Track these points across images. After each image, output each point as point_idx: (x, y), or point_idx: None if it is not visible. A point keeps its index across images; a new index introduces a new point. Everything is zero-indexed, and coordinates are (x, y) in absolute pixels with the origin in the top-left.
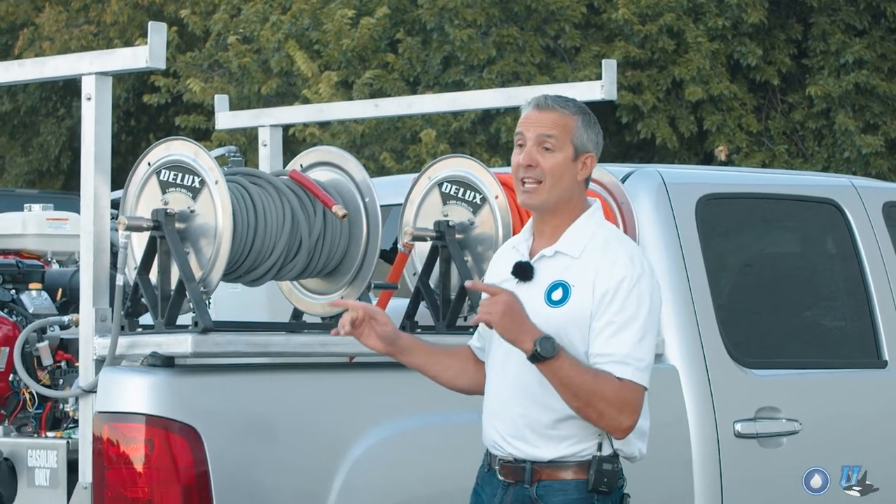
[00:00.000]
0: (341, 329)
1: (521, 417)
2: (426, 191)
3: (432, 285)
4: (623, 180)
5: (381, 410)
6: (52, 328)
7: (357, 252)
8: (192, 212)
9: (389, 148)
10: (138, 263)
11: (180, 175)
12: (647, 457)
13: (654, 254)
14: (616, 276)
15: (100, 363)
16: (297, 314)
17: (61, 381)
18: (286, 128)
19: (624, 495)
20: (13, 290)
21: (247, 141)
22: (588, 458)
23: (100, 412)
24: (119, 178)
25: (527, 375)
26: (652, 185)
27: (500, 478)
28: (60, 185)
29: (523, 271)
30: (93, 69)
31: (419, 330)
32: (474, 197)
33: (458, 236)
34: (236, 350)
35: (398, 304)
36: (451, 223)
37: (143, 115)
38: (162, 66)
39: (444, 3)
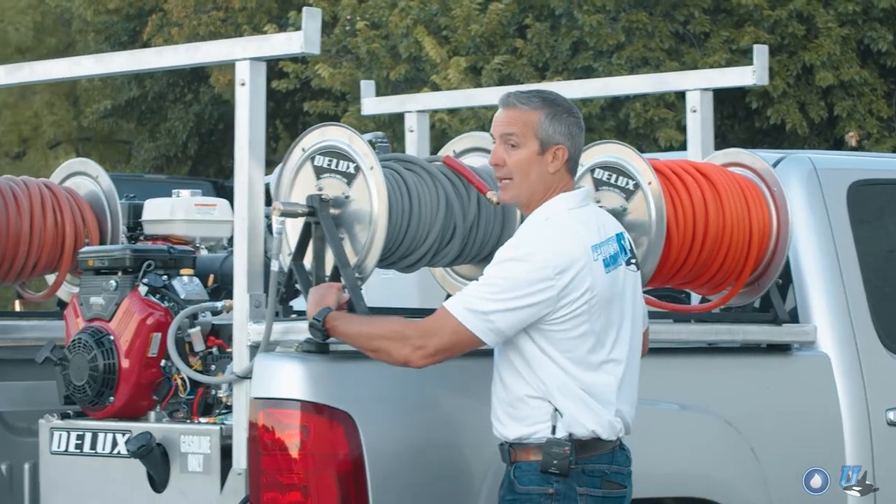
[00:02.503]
0: None
1: (494, 396)
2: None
3: None
4: (774, 166)
5: None
6: (204, 314)
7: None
8: (347, 197)
9: None
10: (293, 249)
11: (335, 161)
12: (798, 443)
13: (805, 240)
14: (507, 244)
15: (254, 349)
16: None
17: (213, 367)
18: None
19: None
20: (165, 276)
21: (375, 126)
22: (542, 440)
23: (255, 398)
24: None
25: (497, 356)
26: (803, 171)
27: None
28: (187, 171)
29: None
30: (247, 55)
31: None
32: (627, 183)
33: None
34: None
35: None
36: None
37: (270, 100)
38: (316, 51)
39: None
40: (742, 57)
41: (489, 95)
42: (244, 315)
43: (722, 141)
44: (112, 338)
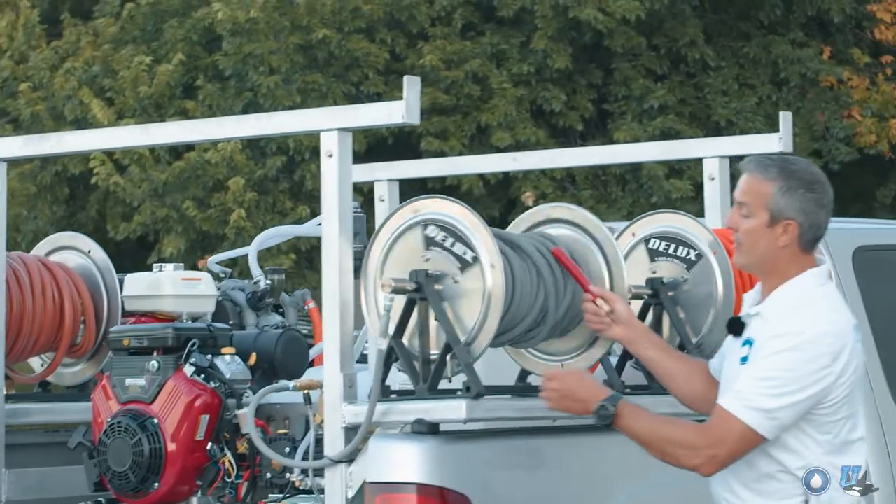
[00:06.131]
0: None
1: (730, 473)
2: (630, 247)
3: None
4: None
5: (633, 471)
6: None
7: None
8: (456, 281)
9: (192, 196)
10: (388, 328)
11: (449, 238)
12: None
13: None
14: (776, 331)
15: (349, 431)
16: (522, 376)
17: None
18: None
19: None
20: (209, 356)
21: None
22: None
23: (370, 483)
24: None
25: None
26: None
27: None
28: None
29: (732, 325)
30: (334, 125)
31: (627, 390)
32: (689, 253)
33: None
34: (504, 415)
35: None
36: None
37: None
38: (416, 121)
39: (250, 49)
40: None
41: (479, 163)
42: (338, 396)
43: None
44: (156, 421)
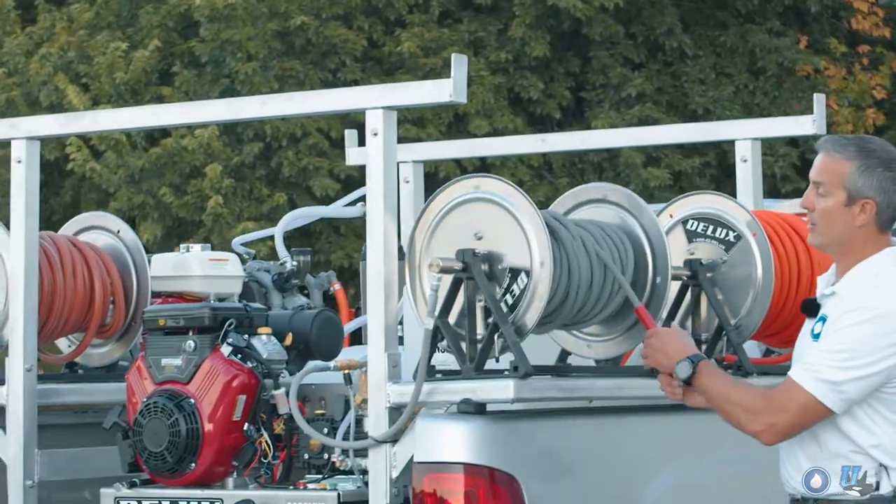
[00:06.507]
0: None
1: (800, 448)
2: (668, 228)
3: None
4: None
5: (677, 452)
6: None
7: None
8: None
9: (168, 183)
10: (435, 307)
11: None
12: None
13: None
14: (851, 306)
15: (393, 412)
16: (563, 356)
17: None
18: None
19: None
20: (245, 336)
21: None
22: (866, 497)
23: (418, 462)
24: None
25: None
26: None
27: None
28: None
29: (806, 306)
30: (380, 103)
31: None
32: (727, 234)
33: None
34: (550, 395)
35: None
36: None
37: None
38: (464, 100)
39: (227, 35)
40: None
41: (508, 144)
42: (382, 375)
43: None
44: (193, 401)
